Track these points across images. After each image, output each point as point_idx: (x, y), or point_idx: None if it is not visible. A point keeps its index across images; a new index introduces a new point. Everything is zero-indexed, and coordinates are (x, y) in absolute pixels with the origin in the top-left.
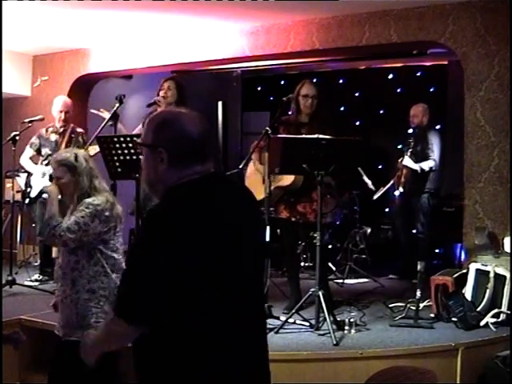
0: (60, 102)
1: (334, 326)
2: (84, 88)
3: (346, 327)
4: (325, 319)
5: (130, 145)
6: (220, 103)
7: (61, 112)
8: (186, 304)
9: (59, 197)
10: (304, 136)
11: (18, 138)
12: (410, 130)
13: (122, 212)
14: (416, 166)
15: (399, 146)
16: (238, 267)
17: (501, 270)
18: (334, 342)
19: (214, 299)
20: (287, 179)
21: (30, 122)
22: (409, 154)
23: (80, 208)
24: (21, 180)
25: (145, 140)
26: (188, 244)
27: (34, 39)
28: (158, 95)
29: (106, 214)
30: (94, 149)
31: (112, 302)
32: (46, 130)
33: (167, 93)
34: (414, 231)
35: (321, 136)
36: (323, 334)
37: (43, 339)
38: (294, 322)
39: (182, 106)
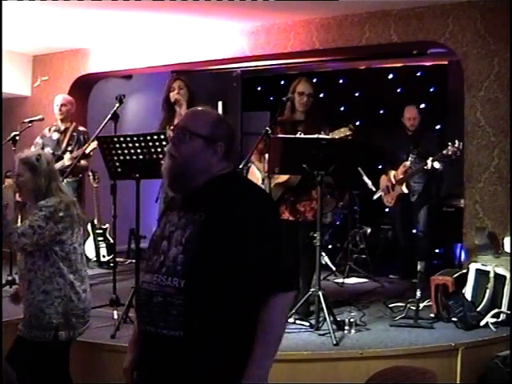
0: (59, 98)
1: (334, 326)
2: (84, 88)
3: (346, 327)
4: (325, 319)
5: (130, 145)
6: (220, 103)
7: (57, 106)
8: None
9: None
10: (304, 136)
11: (17, 137)
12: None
13: (81, 212)
14: (439, 166)
15: (399, 146)
16: None
17: (501, 270)
18: (334, 342)
19: None
20: (283, 176)
21: (30, 121)
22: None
23: (34, 212)
24: None
25: (202, 132)
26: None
27: (34, 39)
28: (168, 96)
29: (60, 214)
30: (91, 146)
31: (269, 281)
32: (49, 130)
33: (180, 92)
34: (414, 231)
35: (321, 136)
36: (323, 334)
37: None
38: (294, 322)
39: (192, 105)
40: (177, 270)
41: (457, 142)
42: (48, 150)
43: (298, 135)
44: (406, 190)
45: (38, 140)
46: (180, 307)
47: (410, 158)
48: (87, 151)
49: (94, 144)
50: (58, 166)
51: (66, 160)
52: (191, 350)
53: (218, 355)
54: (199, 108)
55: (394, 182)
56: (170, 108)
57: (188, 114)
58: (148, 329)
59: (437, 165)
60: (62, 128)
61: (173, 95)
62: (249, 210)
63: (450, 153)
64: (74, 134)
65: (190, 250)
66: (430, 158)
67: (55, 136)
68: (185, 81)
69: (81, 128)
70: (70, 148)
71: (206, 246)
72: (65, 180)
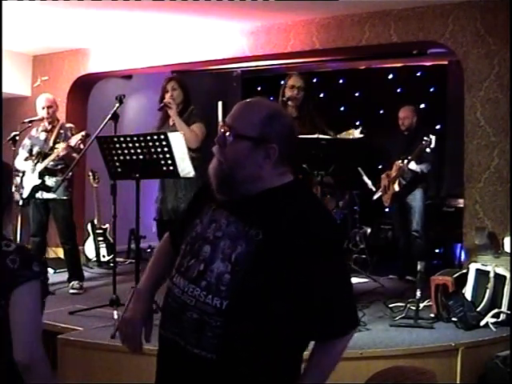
0: (42, 99)
1: None
2: (84, 88)
3: None
4: None
5: (130, 145)
6: (220, 103)
7: (43, 108)
8: None
9: None
10: (304, 136)
11: (17, 137)
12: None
13: None
14: (418, 169)
15: (399, 146)
16: None
17: (501, 270)
18: None
19: None
20: None
21: (30, 121)
22: (416, 156)
23: None
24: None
25: (248, 132)
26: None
27: (34, 39)
28: (164, 97)
29: None
30: (76, 137)
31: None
32: (37, 130)
33: (173, 93)
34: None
35: (321, 136)
36: None
37: (43, 338)
38: None
39: (189, 104)
40: (220, 289)
41: (426, 137)
42: (36, 149)
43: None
44: (397, 189)
45: (26, 141)
46: (217, 329)
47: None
48: (72, 143)
49: (79, 135)
50: (45, 162)
51: (61, 149)
52: (222, 375)
53: None
54: (249, 100)
55: (388, 182)
56: (160, 110)
57: (235, 109)
58: (177, 340)
59: (413, 166)
60: (49, 127)
61: (166, 97)
62: (315, 236)
63: (420, 150)
64: (61, 131)
65: (240, 273)
66: (406, 160)
67: (43, 136)
68: (179, 81)
69: (67, 124)
70: (57, 145)
71: (259, 271)
72: (54, 178)
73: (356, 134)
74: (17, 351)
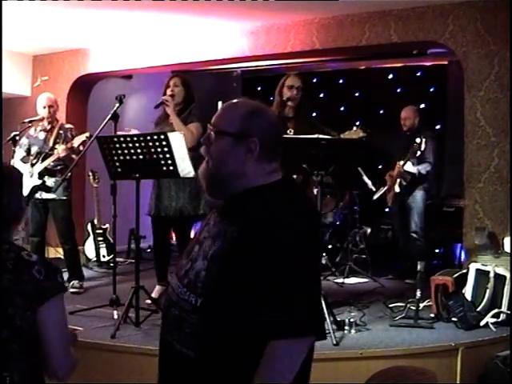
0: (43, 99)
1: (334, 326)
2: (84, 88)
3: (346, 327)
4: (325, 319)
5: (130, 145)
6: (220, 103)
7: (44, 108)
8: None
9: None
10: (304, 136)
11: (17, 137)
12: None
13: None
14: (415, 170)
15: (400, 146)
16: None
17: (501, 270)
18: (334, 342)
19: None
20: None
21: (30, 121)
22: (412, 157)
23: None
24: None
25: (228, 128)
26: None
27: (34, 39)
28: (165, 94)
29: None
30: (80, 138)
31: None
32: (35, 130)
33: (174, 90)
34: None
35: (321, 136)
36: None
37: None
38: None
39: (190, 103)
40: (197, 286)
41: (418, 139)
42: (35, 149)
43: (288, 132)
44: (397, 189)
45: (24, 140)
46: (193, 327)
47: (409, 161)
48: (75, 145)
49: (83, 137)
50: (46, 163)
51: (61, 150)
52: (199, 373)
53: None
54: (234, 100)
55: (390, 182)
56: (157, 107)
57: (219, 108)
58: (165, 337)
59: (409, 167)
60: (48, 127)
61: (167, 93)
62: (275, 238)
63: (411, 152)
64: (61, 131)
65: (213, 269)
66: (401, 162)
67: (42, 136)
68: (183, 78)
69: (67, 125)
70: (57, 146)
71: (230, 268)
72: (54, 178)
73: (360, 133)
74: (50, 365)
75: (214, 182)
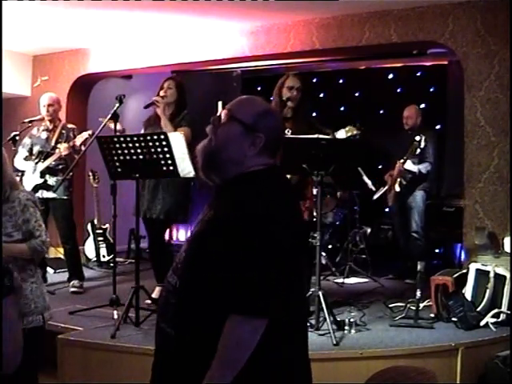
0: (45, 98)
1: (334, 326)
2: (84, 88)
3: (346, 327)
4: (325, 319)
5: (130, 145)
6: (220, 103)
7: (44, 106)
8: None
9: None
10: (304, 136)
11: (17, 137)
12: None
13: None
14: (415, 169)
15: (400, 146)
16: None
17: (501, 270)
18: (334, 342)
19: (296, 290)
20: None
21: (30, 121)
22: (412, 156)
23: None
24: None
25: (242, 117)
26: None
27: (34, 39)
28: (158, 95)
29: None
30: (82, 136)
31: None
32: (38, 129)
33: (167, 92)
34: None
35: (321, 136)
36: (323, 334)
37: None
38: None
39: (182, 105)
40: (178, 268)
41: (418, 137)
42: (37, 148)
43: (286, 132)
44: (397, 189)
45: (26, 140)
46: (173, 307)
47: (408, 159)
48: (78, 143)
49: (86, 134)
50: (47, 162)
51: (63, 149)
52: (179, 351)
53: (199, 363)
54: (250, 96)
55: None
56: (146, 107)
57: (236, 99)
58: (157, 320)
59: (409, 166)
60: (51, 127)
61: (161, 94)
62: (242, 219)
63: (411, 150)
64: (63, 131)
65: (190, 251)
66: (402, 160)
67: (44, 135)
68: (177, 81)
69: (69, 125)
70: (59, 145)
71: (202, 250)
72: (55, 178)
73: (354, 130)
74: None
75: (212, 161)
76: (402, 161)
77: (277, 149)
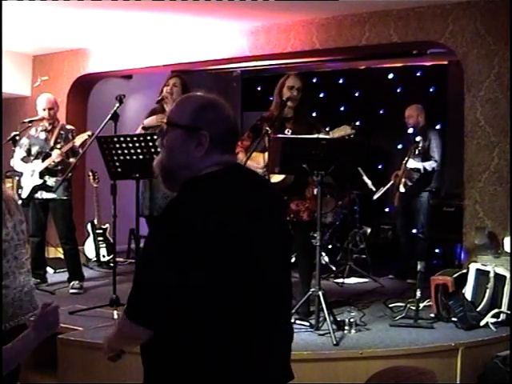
0: (43, 100)
1: (334, 326)
2: (84, 88)
3: (346, 327)
4: (325, 319)
5: (130, 145)
6: None
7: (44, 110)
8: (199, 308)
9: None
10: (304, 136)
11: (17, 137)
12: (410, 130)
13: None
14: (420, 165)
15: (399, 146)
16: (262, 269)
17: (501, 270)
18: (334, 342)
19: (230, 306)
20: (278, 176)
21: (30, 121)
22: (413, 155)
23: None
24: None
25: (180, 121)
26: (210, 245)
27: (34, 39)
28: (162, 92)
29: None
30: (82, 137)
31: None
32: (36, 130)
33: (172, 89)
34: (414, 231)
35: (321, 136)
36: (323, 334)
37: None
38: (294, 322)
39: None
40: None
41: (418, 137)
42: (36, 148)
43: (285, 132)
44: (402, 189)
45: (24, 140)
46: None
47: (411, 158)
48: (77, 144)
49: (85, 135)
50: (45, 163)
51: (55, 156)
52: (154, 348)
53: (174, 358)
54: (188, 94)
55: (395, 181)
56: (158, 103)
57: (174, 102)
58: None
59: (412, 164)
60: (49, 127)
61: (165, 91)
62: (155, 225)
63: (412, 150)
64: (62, 132)
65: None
66: (406, 159)
67: (42, 136)
68: (182, 79)
69: (68, 126)
70: (58, 146)
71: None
72: (54, 178)
73: (348, 130)
74: None
75: (166, 172)
76: (404, 161)
77: (229, 141)
